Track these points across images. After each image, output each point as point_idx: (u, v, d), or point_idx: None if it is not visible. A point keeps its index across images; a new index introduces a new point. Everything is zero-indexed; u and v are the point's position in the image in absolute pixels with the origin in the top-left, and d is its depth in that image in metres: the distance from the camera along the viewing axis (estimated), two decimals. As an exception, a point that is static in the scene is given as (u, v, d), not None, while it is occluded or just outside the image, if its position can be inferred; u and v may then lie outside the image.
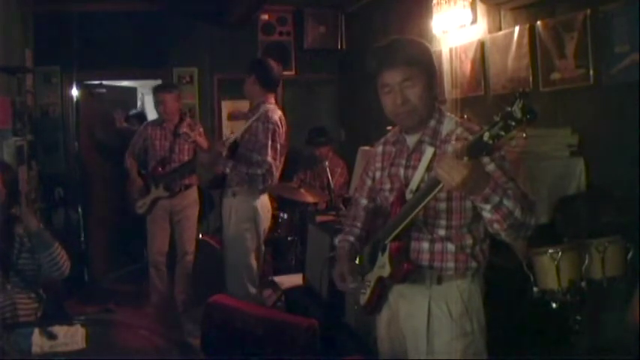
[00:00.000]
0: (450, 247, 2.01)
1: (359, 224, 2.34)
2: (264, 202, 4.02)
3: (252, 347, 2.51)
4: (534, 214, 1.83)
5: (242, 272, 3.99)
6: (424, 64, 2.02)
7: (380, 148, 2.27)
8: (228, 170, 3.84)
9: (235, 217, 3.97)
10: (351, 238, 2.32)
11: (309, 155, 5.67)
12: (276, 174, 3.94)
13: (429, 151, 2.02)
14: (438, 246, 2.02)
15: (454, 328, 2.00)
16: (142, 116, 6.73)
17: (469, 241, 2.02)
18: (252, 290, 3.99)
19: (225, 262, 4.15)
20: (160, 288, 4.95)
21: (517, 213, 1.76)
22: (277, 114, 3.94)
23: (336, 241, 2.39)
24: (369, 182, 2.31)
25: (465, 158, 1.65)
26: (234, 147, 3.92)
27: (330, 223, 4.19)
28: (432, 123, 2.05)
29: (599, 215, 2.87)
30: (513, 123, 1.54)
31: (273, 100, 4.02)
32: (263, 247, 4.13)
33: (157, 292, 4.95)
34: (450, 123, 2.04)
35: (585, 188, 3.21)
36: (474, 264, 2.02)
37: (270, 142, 3.81)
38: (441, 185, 1.75)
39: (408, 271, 2.01)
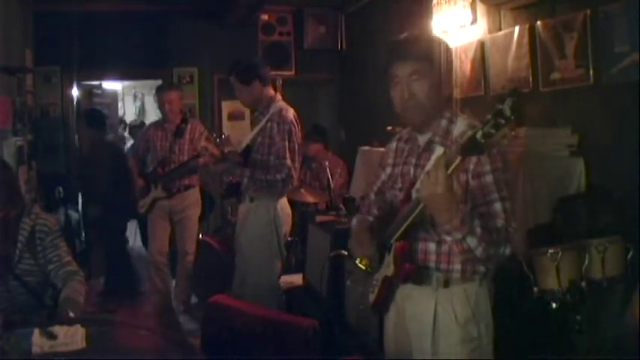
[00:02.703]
0: None
1: (371, 217, 2.29)
2: (283, 205, 3.82)
3: (252, 347, 2.51)
4: (510, 243, 1.87)
5: (264, 280, 3.76)
6: (434, 61, 1.99)
7: (393, 145, 2.25)
8: (245, 179, 3.65)
9: (254, 221, 3.75)
10: (370, 218, 2.27)
11: (306, 153, 5.65)
12: (295, 176, 3.73)
13: (438, 151, 2.00)
14: (444, 247, 2.00)
15: (460, 332, 1.99)
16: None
17: None
18: (272, 300, 3.78)
19: (239, 269, 3.90)
20: (160, 288, 4.95)
21: (478, 252, 1.83)
22: (291, 112, 3.74)
23: (353, 220, 2.32)
24: (382, 177, 2.28)
25: (441, 175, 1.69)
26: (247, 152, 3.73)
27: (330, 223, 4.18)
28: (444, 123, 2.03)
29: (599, 215, 2.87)
30: (503, 121, 1.58)
31: (279, 96, 3.84)
32: (285, 252, 3.92)
33: (158, 292, 4.95)
34: (462, 124, 2.02)
35: (585, 188, 3.21)
36: (481, 268, 2.00)
37: (287, 144, 3.60)
38: None
39: (411, 271, 2.01)
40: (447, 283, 2.00)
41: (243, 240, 3.85)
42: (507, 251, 1.87)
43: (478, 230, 1.80)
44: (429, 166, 1.99)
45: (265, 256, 3.76)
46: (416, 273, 2.02)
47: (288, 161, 3.60)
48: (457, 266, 1.99)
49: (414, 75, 1.98)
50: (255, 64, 3.85)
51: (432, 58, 1.99)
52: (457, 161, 1.70)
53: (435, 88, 2.00)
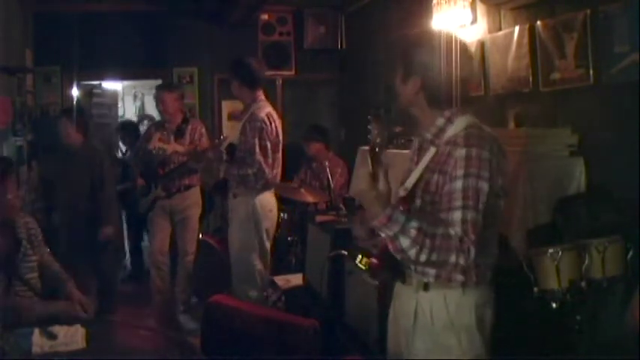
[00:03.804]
0: None
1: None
2: (264, 201, 4.00)
3: (252, 347, 2.51)
4: (464, 254, 1.75)
5: (244, 274, 3.99)
6: (400, 57, 1.99)
7: (416, 142, 2.17)
8: (222, 174, 3.94)
9: (236, 217, 3.99)
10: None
11: (307, 153, 5.66)
12: (270, 171, 3.93)
13: (430, 151, 1.97)
14: None
15: (435, 338, 1.93)
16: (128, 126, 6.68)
17: None
18: (253, 293, 3.99)
19: (231, 265, 4.15)
20: (161, 287, 4.95)
21: (412, 253, 1.75)
22: (264, 111, 3.95)
23: None
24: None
25: (362, 172, 1.81)
26: (232, 150, 3.97)
27: (330, 223, 4.18)
28: (440, 122, 1.96)
29: (599, 215, 2.87)
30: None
31: (262, 97, 4.04)
32: (267, 245, 4.10)
33: (158, 292, 4.95)
34: (460, 124, 1.93)
35: (585, 188, 3.21)
36: (459, 277, 1.90)
37: (257, 141, 3.84)
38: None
39: (375, 268, 2.04)
40: (426, 287, 1.95)
41: (230, 236, 4.08)
42: (461, 261, 1.75)
43: (412, 232, 1.74)
44: (421, 163, 1.98)
45: (243, 250, 3.97)
46: (393, 271, 2.02)
47: (258, 157, 3.83)
48: (431, 270, 1.92)
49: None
50: (240, 65, 4.04)
51: (403, 54, 1.99)
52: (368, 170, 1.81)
53: (399, 82, 1.99)
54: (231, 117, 6.72)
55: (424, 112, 1.99)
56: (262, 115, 3.91)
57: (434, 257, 1.76)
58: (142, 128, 7.97)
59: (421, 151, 2.06)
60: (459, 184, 1.81)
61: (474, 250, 1.75)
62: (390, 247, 1.79)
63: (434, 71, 1.93)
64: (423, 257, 1.75)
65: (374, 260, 2.02)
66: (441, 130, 1.95)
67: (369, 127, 1.94)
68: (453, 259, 1.75)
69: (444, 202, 1.83)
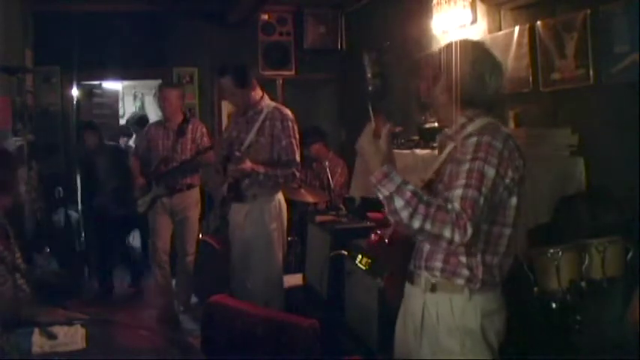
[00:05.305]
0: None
1: None
2: (281, 198, 3.89)
3: (252, 347, 2.51)
4: (461, 231, 1.73)
5: (270, 273, 3.80)
6: (452, 61, 2.02)
7: (438, 141, 2.33)
8: (261, 177, 3.65)
9: (253, 219, 3.77)
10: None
11: (307, 154, 5.66)
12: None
13: (449, 146, 2.05)
14: (427, 245, 2.00)
15: (441, 341, 1.94)
16: (143, 120, 6.70)
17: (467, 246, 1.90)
18: (279, 299, 3.82)
19: (240, 267, 3.90)
20: (163, 287, 4.95)
21: (404, 215, 1.76)
22: (284, 108, 3.82)
23: None
24: None
25: (368, 131, 1.95)
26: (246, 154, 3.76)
27: (330, 223, 4.19)
28: (462, 120, 2.00)
29: (599, 215, 2.87)
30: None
31: (266, 95, 3.88)
32: (287, 239, 4.03)
33: (161, 291, 4.95)
34: (479, 123, 1.97)
35: (585, 188, 3.21)
36: (464, 271, 1.91)
37: (293, 140, 3.70)
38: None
39: (374, 242, 2.13)
40: (433, 288, 1.96)
41: (248, 237, 3.82)
42: (457, 238, 1.73)
43: (407, 194, 1.77)
44: (442, 156, 2.07)
45: (272, 250, 3.80)
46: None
47: (297, 156, 3.71)
48: (438, 264, 1.95)
49: None
50: (247, 66, 3.90)
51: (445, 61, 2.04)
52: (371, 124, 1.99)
53: (433, 84, 2.06)
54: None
55: (452, 112, 2.03)
56: (289, 112, 3.76)
57: (427, 226, 1.74)
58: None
59: (442, 148, 2.14)
60: (465, 166, 1.84)
61: (470, 229, 1.73)
62: (386, 210, 1.82)
63: (461, 76, 1.97)
64: (416, 223, 1.75)
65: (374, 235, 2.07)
66: (461, 127, 2.00)
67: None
68: (447, 233, 1.74)
69: (449, 182, 1.89)
